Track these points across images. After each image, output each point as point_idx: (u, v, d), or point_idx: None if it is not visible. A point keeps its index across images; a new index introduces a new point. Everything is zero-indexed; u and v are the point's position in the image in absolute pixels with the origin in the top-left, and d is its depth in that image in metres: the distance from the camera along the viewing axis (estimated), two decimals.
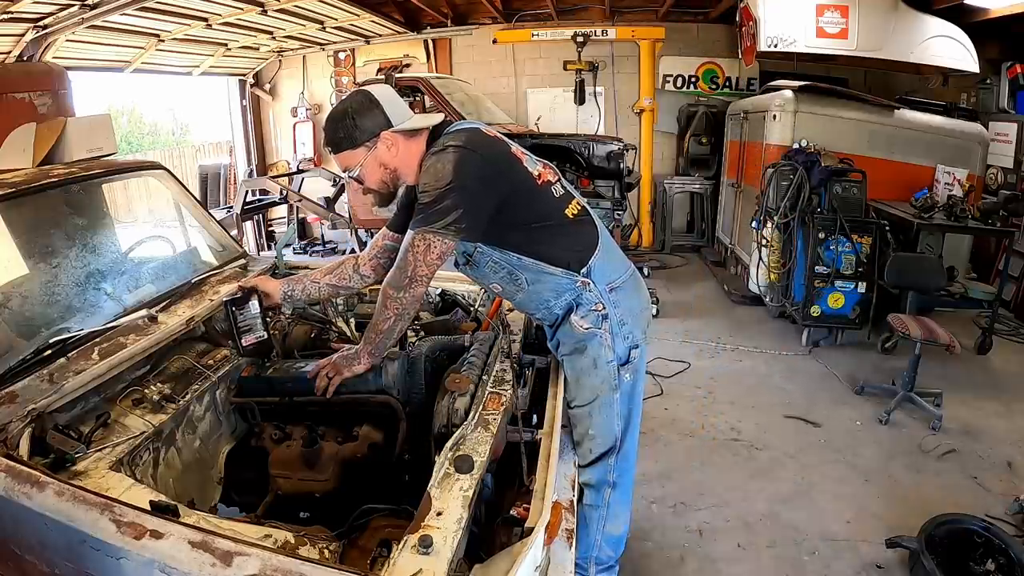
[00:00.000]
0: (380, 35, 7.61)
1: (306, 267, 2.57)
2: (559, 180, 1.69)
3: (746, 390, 3.62)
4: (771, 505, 2.59)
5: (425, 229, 1.46)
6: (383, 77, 6.59)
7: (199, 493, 1.70)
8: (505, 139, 1.64)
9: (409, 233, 1.51)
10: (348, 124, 1.54)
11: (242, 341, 1.83)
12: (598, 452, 1.82)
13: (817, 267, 4.01)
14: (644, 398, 3.47)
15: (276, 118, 8.46)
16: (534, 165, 1.65)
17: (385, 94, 1.58)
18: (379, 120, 1.54)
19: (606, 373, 1.72)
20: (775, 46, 5.00)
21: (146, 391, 1.65)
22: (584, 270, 1.64)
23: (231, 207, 7.33)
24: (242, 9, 5.68)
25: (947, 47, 4.89)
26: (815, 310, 4.07)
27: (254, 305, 1.82)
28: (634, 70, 7.09)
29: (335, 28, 7.03)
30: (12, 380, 1.49)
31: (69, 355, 1.61)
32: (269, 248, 8.19)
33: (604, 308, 1.67)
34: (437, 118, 1.64)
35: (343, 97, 1.62)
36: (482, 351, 1.79)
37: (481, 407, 1.49)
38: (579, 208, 1.69)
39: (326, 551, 1.16)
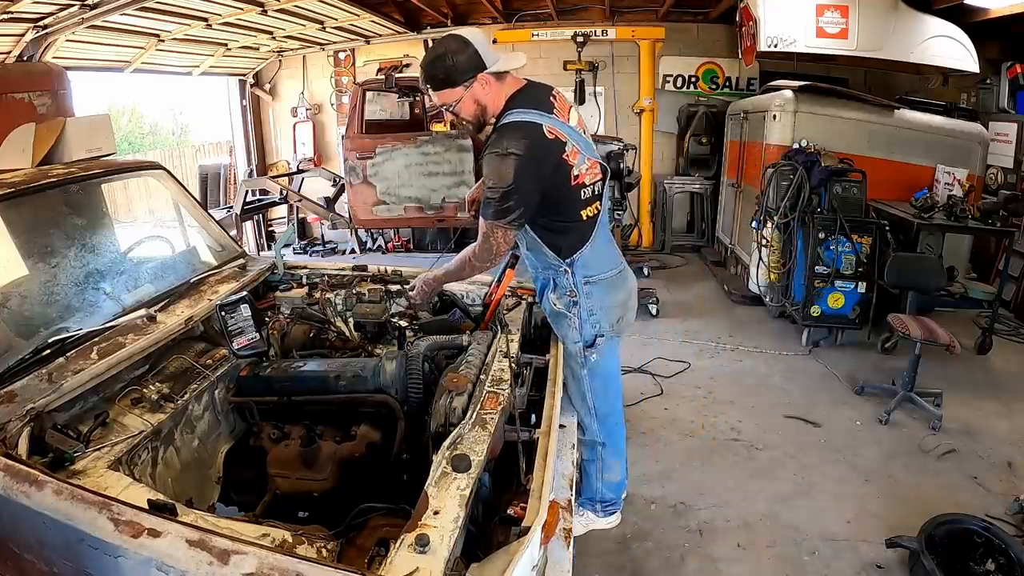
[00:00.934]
0: (380, 35, 7.61)
1: (305, 267, 2.58)
2: (596, 183, 1.89)
3: (746, 390, 3.62)
4: (771, 505, 2.58)
5: (497, 223, 1.75)
6: (383, 77, 6.59)
7: (198, 492, 1.71)
8: (562, 138, 1.77)
9: (484, 222, 1.78)
10: (448, 65, 1.73)
11: (234, 344, 1.85)
12: (580, 414, 2.13)
13: (817, 267, 4.00)
14: (644, 398, 3.51)
15: (276, 118, 8.46)
16: (582, 164, 1.82)
17: (477, 38, 1.76)
18: (475, 62, 1.73)
19: (574, 351, 2.00)
20: (775, 46, 4.99)
21: (145, 391, 1.65)
22: (568, 260, 1.90)
23: (231, 207, 7.34)
24: (242, 9, 5.67)
25: (947, 47, 4.88)
26: (815, 310, 4.06)
27: (245, 308, 1.84)
28: (634, 70, 7.09)
29: (335, 28, 7.04)
30: (11, 379, 1.49)
31: (68, 355, 1.62)
32: (269, 248, 8.20)
33: (576, 296, 1.93)
34: (519, 59, 1.86)
35: (439, 40, 1.80)
36: (480, 351, 1.80)
37: (479, 406, 1.49)
38: (595, 212, 1.90)
39: (324, 550, 1.17)
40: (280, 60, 8.12)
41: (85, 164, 2.30)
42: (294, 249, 7.62)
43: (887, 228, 4.06)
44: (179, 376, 1.80)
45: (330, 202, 7.31)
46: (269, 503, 1.65)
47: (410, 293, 2.08)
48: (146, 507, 1.14)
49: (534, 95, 1.85)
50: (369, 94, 6.40)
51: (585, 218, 1.88)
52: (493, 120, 1.85)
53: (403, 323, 2.34)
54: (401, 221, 6.49)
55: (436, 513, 1.15)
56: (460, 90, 1.75)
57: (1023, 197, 4.28)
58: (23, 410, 1.38)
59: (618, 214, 5.16)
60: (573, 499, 1.73)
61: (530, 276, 2.13)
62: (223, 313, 1.85)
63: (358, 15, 6.53)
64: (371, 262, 2.62)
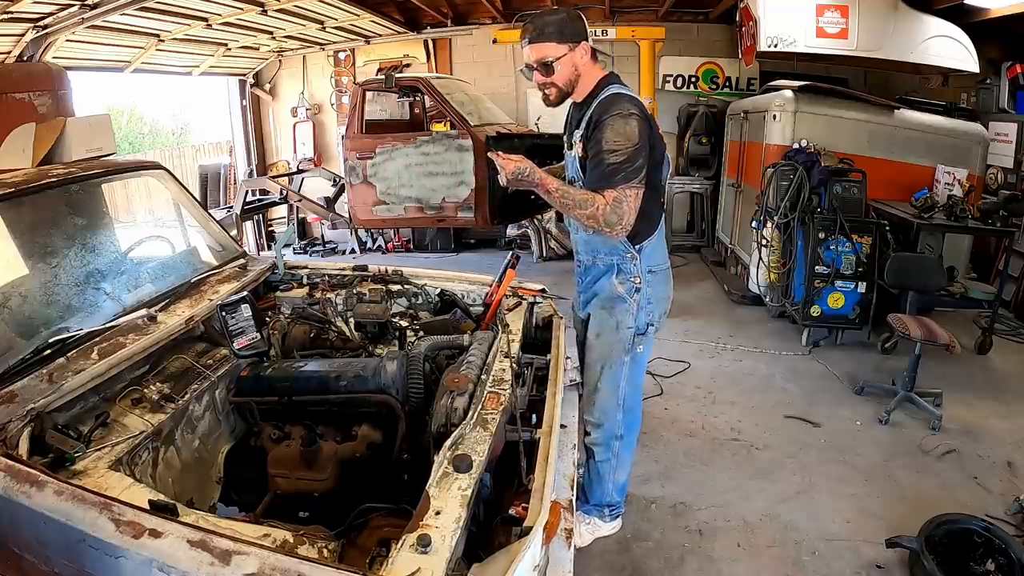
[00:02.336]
0: (380, 35, 7.61)
1: (305, 267, 2.58)
2: (667, 174, 1.98)
3: (746, 390, 3.62)
4: (771, 505, 2.58)
5: (629, 185, 1.75)
6: (383, 77, 6.60)
7: (198, 492, 1.71)
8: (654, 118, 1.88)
9: (612, 191, 1.75)
10: (563, 22, 1.81)
11: (235, 344, 1.85)
12: (604, 406, 2.09)
13: (817, 267, 4.00)
14: (644, 398, 3.51)
15: (276, 118, 8.47)
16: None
17: (586, 20, 1.88)
18: (584, 32, 1.85)
19: (625, 337, 2.00)
20: (775, 46, 4.99)
21: (145, 391, 1.65)
22: (638, 246, 1.94)
23: (231, 207, 7.34)
24: (242, 9, 5.68)
25: (947, 47, 4.88)
26: (815, 310, 4.06)
27: (246, 308, 1.85)
28: (634, 70, 7.09)
29: (335, 28, 7.04)
30: (11, 379, 1.49)
31: (68, 355, 1.61)
32: (269, 248, 8.20)
33: (640, 282, 1.97)
34: (607, 60, 1.99)
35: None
36: (481, 350, 1.80)
37: (480, 406, 1.49)
38: (664, 201, 2.01)
39: (325, 550, 1.16)
40: (280, 60, 8.13)
41: (85, 164, 2.30)
42: (294, 249, 7.63)
43: (887, 228, 4.06)
44: (180, 376, 1.80)
45: (330, 202, 7.32)
46: (270, 503, 1.65)
47: (504, 160, 1.82)
48: (147, 507, 1.14)
49: (622, 81, 1.92)
50: (369, 94, 6.40)
51: (661, 203, 1.98)
52: (577, 96, 1.90)
53: (404, 323, 2.35)
54: (401, 221, 6.49)
55: (437, 513, 1.15)
56: (565, 48, 1.81)
57: (1023, 197, 4.28)
58: (24, 410, 1.38)
59: None
60: (574, 498, 1.72)
61: (583, 261, 2.08)
62: (224, 313, 1.86)
63: (358, 15, 6.54)
64: (371, 262, 2.62)
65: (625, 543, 2.36)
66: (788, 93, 4.69)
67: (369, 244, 7.43)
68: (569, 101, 1.97)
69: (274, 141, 8.59)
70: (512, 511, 1.30)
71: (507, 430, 1.51)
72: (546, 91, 1.89)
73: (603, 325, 2.03)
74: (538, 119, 7.10)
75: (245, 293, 1.95)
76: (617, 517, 2.34)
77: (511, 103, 7.33)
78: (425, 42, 7.59)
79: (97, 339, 1.70)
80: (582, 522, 2.25)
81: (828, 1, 4.89)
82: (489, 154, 1.87)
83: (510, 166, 1.81)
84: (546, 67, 1.83)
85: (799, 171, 4.13)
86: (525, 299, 2.26)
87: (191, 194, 2.69)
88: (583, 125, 1.87)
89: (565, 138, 2.08)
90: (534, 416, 1.70)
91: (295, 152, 8.29)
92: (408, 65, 7.75)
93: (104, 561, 1.07)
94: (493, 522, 1.33)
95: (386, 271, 2.49)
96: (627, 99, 1.79)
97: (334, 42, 7.73)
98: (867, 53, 5.05)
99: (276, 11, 5.92)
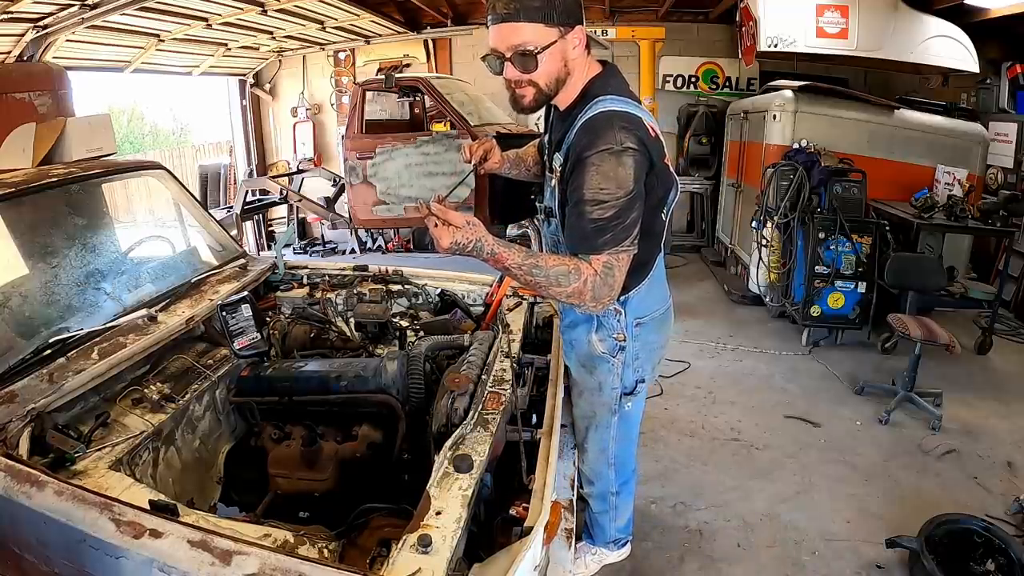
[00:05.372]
0: (380, 35, 7.61)
1: (305, 267, 2.58)
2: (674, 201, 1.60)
3: (746, 390, 3.62)
4: (771, 505, 2.59)
5: (619, 248, 1.34)
6: (383, 77, 6.59)
7: (199, 493, 1.71)
8: (661, 138, 1.45)
9: (601, 256, 1.34)
10: None
11: (235, 344, 1.85)
12: (592, 466, 1.94)
13: (817, 267, 4.01)
14: (644, 397, 3.50)
15: (276, 118, 8.47)
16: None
17: None
18: (579, 12, 1.37)
19: (609, 399, 1.76)
20: (775, 46, 5.00)
21: (146, 391, 1.65)
22: (623, 298, 1.59)
23: (231, 207, 7.34)
24: (242, 9, 5.68)
25: (947, 47, 4.89)
26: (815, 310, 4.07)
27: (246, 308, 1.85)
28: (634, 70, 7.09)
29: (335, 28, 7.04)
30: (12, 380, 1.49)
31: (69, 355, 1.62)
32: (269, 248, 8.20)
33: (624, 339, 1.65)
34: (605, 53, 1.62)
35: None
36: (482, 350, 1.80)
37: (480, 406, 1.49)
38: (665, 238, 1.62)
39: (325, 550, 1.17)
40: (280, 60, 8.13)
41: (85, 164, 2.30)
42: (294, 249, 7.62)
43: (887, 228, 4.07)
44: (180, 376, 1.80)
45: (330, 202, 7.31)
46: (270, 503, 1.65)
47: (438, 229, 1.30)
48: (147, 508, 1.14)
49: (622, 83, 1.46)
50: (369, 94, 6.39)
51: (660, 244, 1.60)
52: (560, 102, 1.48)
53: (404, 323, 2.35)
54: (401, 221, 6.48)
55: (438, 513, 1.15)
56: (555, 33, 1.33)
57: (1023, 197, 4.28)
58: (24, 410, 1.38)
59: None
60: (574, 499, 1.72)
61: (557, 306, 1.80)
62: (224, 313, 1.86)
63: (358, 15, 6.54)
64: (371, 262, 2.62)
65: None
66: (788, 93, 4.69)
67: (369, 244, 7.42)
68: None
69: (274, 141, 8.59)
70: (512, 511, 1.30)
71: (508, 430, 1.50)
72: (519, 92, 1.42)
73: (584, 385, 1.77)
74: (538, 119, 7.10)
75: (245, 293, 1.95)
76: (625, 545, 2.21)
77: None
78: (425, 42, 7.59)
79: (97, 339, 1.70)
80: (588, 552, 2.15)
81: (828, 1, 4.89)
82: (422, 214, 1.32)
83: (445, 239, 1.28)
84: (525, 58, 1.34)
85: (799, 171, 4.13)
86: (525, 299, 2.26)
87: (191, 194, 2.69)
88: (564, 148, 1.44)
89: (546, 150, 1.69)
90: (534, 416, 1.70)
91: (295, 152, 8.29)
92: (408, 65, 7.75)
93: (104, 561, 1.07)
94: (494, 522, 1.33)
95: (386, 271, 2.49)
96: (620, 122, 1.33)
97: (334, 42, 7.73)
98: (867, 53, 5.05)
99: (276, 11, 5.92)
